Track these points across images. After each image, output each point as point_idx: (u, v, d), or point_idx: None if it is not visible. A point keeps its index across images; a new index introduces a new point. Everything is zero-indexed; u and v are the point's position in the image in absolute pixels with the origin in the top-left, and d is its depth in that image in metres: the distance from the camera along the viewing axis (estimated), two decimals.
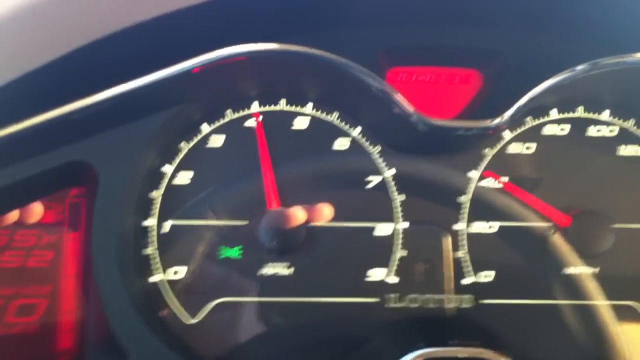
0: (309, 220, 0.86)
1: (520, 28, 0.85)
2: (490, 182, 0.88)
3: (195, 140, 0.87)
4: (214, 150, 0.87)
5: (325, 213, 0.87)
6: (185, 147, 0.87)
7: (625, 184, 0.89)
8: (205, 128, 0.87)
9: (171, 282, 0.85)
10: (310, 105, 0.88)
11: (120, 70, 0.73)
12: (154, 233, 0.85)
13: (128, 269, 0.82)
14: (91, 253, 0.80)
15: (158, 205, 0.85)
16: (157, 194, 0.86)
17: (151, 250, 0.85)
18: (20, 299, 0.84)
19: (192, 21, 0.72)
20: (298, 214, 0.85)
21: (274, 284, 0.85)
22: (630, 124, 0.91)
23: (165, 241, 0.85)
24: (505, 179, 0.89)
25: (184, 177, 0.86)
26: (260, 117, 0.87)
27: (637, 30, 0.82)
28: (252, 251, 0.85)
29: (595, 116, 0.90)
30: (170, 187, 0.86)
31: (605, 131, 0.90)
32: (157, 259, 0.85)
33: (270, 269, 0.85)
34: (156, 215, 0.85)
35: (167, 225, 0.85)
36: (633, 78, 0.83)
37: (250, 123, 0.88)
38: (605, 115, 0.91)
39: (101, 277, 0.80)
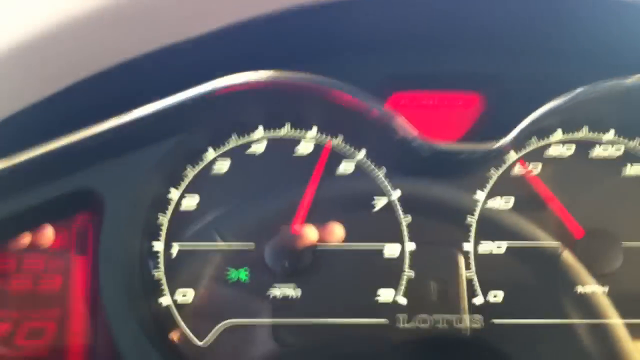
0: (321, 240, 0.86)
1: (521, 51, 0.85)
2: (496, 203, 0.89)
3: (202, 165, 0.88)
4: (219, 174, 0.88)
5: (337, 233, 0.87)
6: (191, 172, 0.88)
7: (632, 203, 0.89)
8: (211, 153, 0.88)
9: (179, 306, 0.86)
10: (314, 129, 0.90)
11: (125, 99, 0.75)
12: (162, 257, 0.86)
13: (136, 293, 0.83)
14: (99, 277, 0.81)
15: (165, 230, 0.86)
16: (164, 219, 0.86)
17: (159, 274, 0.85)
18: (29, 322, 0.85)
19: (195, 50, 0.73)
20: (311, 233, 0.86)
21: (283, 306, 0.86)
22: (635, 144, 0.91)
23: (172, 265, 0.86)
24: (538, 168, 0.89)
25: (191, 202, 0.87)
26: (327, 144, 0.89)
27: (636, 53, 0.83)
28: (259, 273, 0.86)
29: (600, 136, 0.91)
30: (177, 212, 0.87)
31: (610, 151, 0.91)
32: (165, 283, 0.85)
33: (278, 291, 0.86)
34: (163, 240, 0.86)
35: (174, 249, 0.86)
36: (635, 99, 0.84)
37: (255, 149, 0.89)
38: (610, 135, 0.91)
39: (109, 301, 0.80)
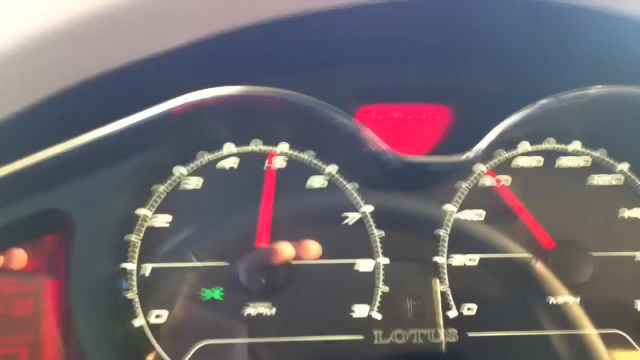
0: (297, 257, 0.86)
1: (487, 63, 0.87)
2: (468, 215, 0.89)
3: (173, 183, 0.88)
4: (191, 192, 0.88)
5: (312, 249, 0.87)
6: (161, 190, 0.88)
7: (599, 213, 0.91)
8: (182, 171, 0.88)
9: (153, 327, 0.85)
10: (285, 145, 0.90)
11: (91, 117, 0.75)
12: (134, 277, 0.85)
13: (109, 315, 0.82)
14: (71, 300, 0.80)
15: (137, 249, 0.86)
16: (136, 238, 0.86)
17: (131, 294, 0.85)
18: (3, 348, 0.83)
19: (161, 67, 0.74)
20: (287, 250, 0.86)
21: (258, 325, 0.85)
22: (601, 154, 0.93)
23: (145, 285, 0.85)
24: (506, 180, 0.90)
25: (162, 220, 0.87)
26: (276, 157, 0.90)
27: (601, 63, 0.85)
28: (233, 292, 0.85)
29: (565, 147, 0.93)
30: (149, 231, 0.86)
31: (576, 161, 0.92)
32: (138, 304, 0.85)
33: (253, 310, 0.85)
34: (136, 259, 0.85)
35: (147, 269, 0.85)
36: (598, 109, 0.86)
37: (225, 164, 0.89)
38: (576, 145, 0.93)
39: (81, 324, 0.80)
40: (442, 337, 0.86)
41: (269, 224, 0.86)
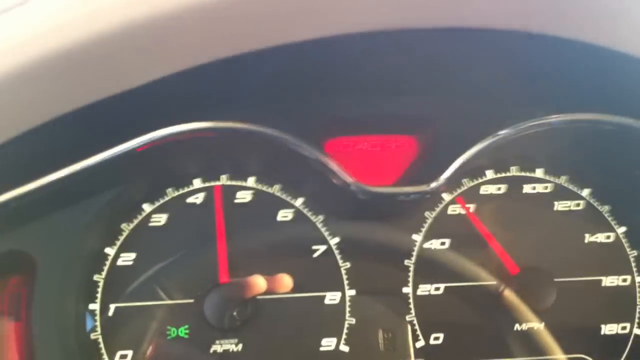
0: (269, 290, 0.86)
1: (452, 94, 0.87)
2: (433, 244, 0.90)
3: (137, 220, 0.87)
4: (156, 229, 0.87)
5: (285, 282, 0.86)
6: (126, 228, 0.86)
7: (563, 239, 0.92)
8: (147, 208, 0.87)
9: None
10: (251, 179, 0.90)
11: (55, 156, 0.73)
12: (98, 317, 0.83)
13: (72, 358, 0.81)
14: (33, 344, 0.78)
15: (101, 289, 0.84)
16: (99, 277, 0.84)
17: (95, 335, 0.83)
18: None
19: (125, 104, 0.73)
20: (259, 283, 0.85)
21: None
22: (563, 180, 0.94)
23: (110, 325, 0.84)
24: (472, 207, 0.91)
25: (127, 259, 0.85)
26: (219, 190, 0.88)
27: (564, 92, 0.86)
28: (199, 329, 0.84)
29: (529, 174, 0.94)
30: (113, 269, 0.85)
31: (539, 188, 0.93)
32: (103, 345, 0.83)
33: (219, 347, 0.84)
34: (99, 299, 0.84)
35: (111, 309, 0.84)
36: (558, 138, 0.87)
37: (193, 200, 0.88)
38: (539, 173, 0.94)
39: None
40: None
41: (225, 259, 0.85)
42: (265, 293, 0.86)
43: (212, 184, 0.89)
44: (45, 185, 0.74)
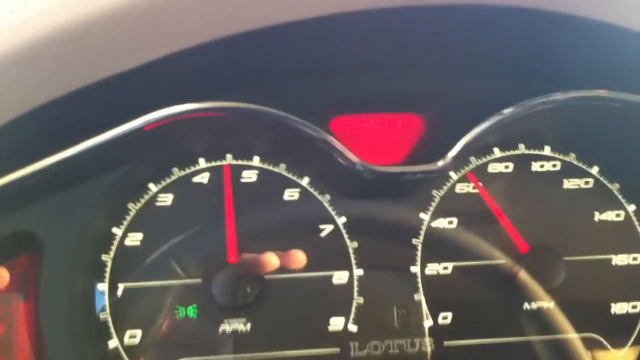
0: (283, 266, 0.85)
1: (458, 71, 0.87)
2: (441, 223, 0.89)
3: (143, 200, 0.87)
4: (162, 209, 0.87)
5: (299, 258, 0.86)
6: (133, 208, 0.87)
7: (573, 217, 0.91)
8: (153, 187, 0.87)
9: (128, 348, 0.83)
10: (256, 158, 0.90)
11: (61, 136, 0.73)
12: (107, 297, 0.84)
13: (82, 337, 0.81)
14: (42, 323, 0.79)
15: (109, 269, 0.84)
16: (107, 257, 0.85)
17: (104, 315, 0.84)
18: None
19: (130, 83, 0.73)
20: (272, 260, 0.85)
21: (234, 341, 0.84)
22: (571, 158, 0.93)
23: (119, 305, 0.84)
24: (480, 186, 0.90)
25: (134, 239, 0.86)
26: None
27: (571, 69, 0.85)
28: (208, 309, 0.84)
29: (536, 152, 0.93)
30: (121, 249, 0.85)
31: (548, 166, 0.93)
32: (111, 325, 0.83)
33: (228, 326, 0.84)
34: (108, 279, 0.84)
35: (120, 289, 0.84)
36: (566, 115, 0.86)
37: (199, 179, 0.88)
38: (547, 150, 0.93)
39: (53, 347, 0.78)
40: (418, 346, 0.86)
41: (234, 239, 0.85)
42: (278, 270, 0.85)
43: (218, 163, 0.89)
44: (52, 165, 0.74)
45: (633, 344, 0.89)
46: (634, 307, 0.90)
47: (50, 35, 0.66)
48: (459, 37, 0.81)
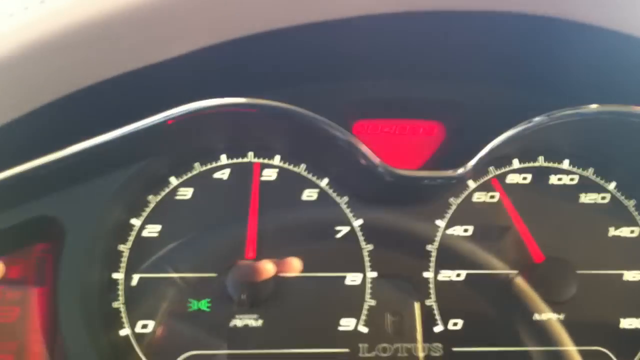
0: (279, 272, 0.86)
1: (481, 81, 0.87)
2: (456, 231, 0.90)
3: (163, 193, 0.88)
4: (182, 202, 0.88)
5: (294, 265, 0.87)
6: (153, 200, 0.87)
7: (587, 231, 0.91)
8: (173, 181, 0.88)
9: (139, 336, 0.84)
10: (277, 157, 0.90)
11: (86, 125, 0.74)
12: (122, 287, 0.85)
13: (95, 324, 0.82)
14: (57, 309, 0.80)
15: (126, 259, 0.85)
16: (124, 247, 0.86)
17: (118, 304, 0.84)
18: None
19: (157, 77, 0.73)
20: (267, 267, 0.85)
21: (245, 336, 0.85)
22: (589, 173, 0.93)
23: (133, 295, 0.85)
24: (497, 196, 0.91)
25: (152, 230, 0.86)
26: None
27: (592, 82, 0.85)
28: (221, 304, 0.85)
29: (555, 165, 0.93)
30: (138, 240, 0.86)
31: (565, 180, 0.93)
32: (125, 314, 0.84)
33: (240, 322, 0.85)
34: (124, 269, 0.85)
35: (134, 279, 0.85)
36: (588, 129, 0.86)
37: (219, 175, 0.89)
38: (565, 164, 0.93)
39: (67, 332, 0.79)
40: (427, 351, 0.86)
41: (254, 237, 0.85)
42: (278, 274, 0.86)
43: (240, 160, 0.90)
44: (76, 153, 0.75)
45: None
46: None
47: (82, 24, 0.66)
48: (485, 46, 0.82)
